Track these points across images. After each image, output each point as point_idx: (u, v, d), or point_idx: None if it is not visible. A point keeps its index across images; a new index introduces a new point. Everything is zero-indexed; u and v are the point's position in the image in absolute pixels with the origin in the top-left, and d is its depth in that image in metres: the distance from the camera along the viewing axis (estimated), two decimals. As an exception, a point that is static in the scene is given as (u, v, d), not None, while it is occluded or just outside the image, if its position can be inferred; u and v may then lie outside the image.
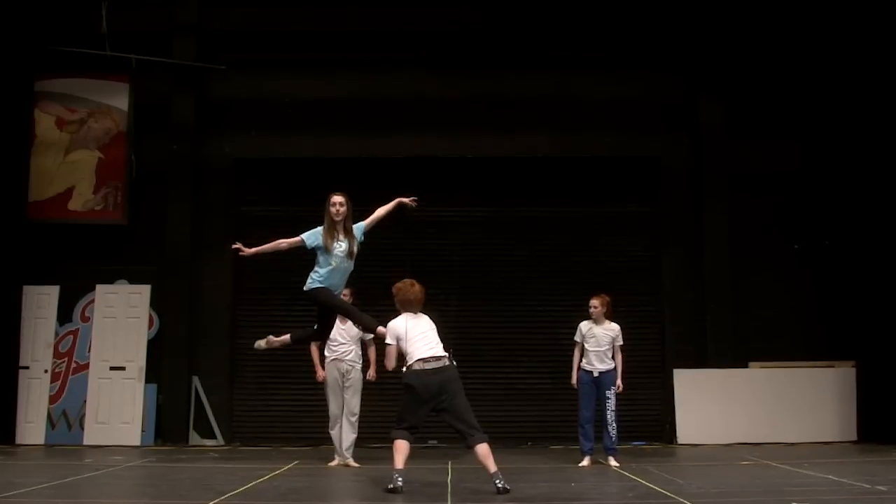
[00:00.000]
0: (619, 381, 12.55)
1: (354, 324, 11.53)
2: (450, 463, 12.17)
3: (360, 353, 13.00)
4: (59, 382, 15.88)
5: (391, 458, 9.71)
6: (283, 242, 10.89)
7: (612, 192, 17.16)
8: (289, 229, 16.76)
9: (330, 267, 10.51)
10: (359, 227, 10.76)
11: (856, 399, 15.60)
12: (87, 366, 15.89)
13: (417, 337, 9.93)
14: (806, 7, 16.78)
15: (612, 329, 12.61)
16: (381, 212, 10.95)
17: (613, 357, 12.58)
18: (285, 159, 16.93)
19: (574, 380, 12.83)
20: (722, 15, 16.89)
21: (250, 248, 10.78)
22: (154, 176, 16.55)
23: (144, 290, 16.17)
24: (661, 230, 16.84)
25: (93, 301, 16.17)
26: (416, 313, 10.14)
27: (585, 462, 12.50)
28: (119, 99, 16.60)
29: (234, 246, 10.89)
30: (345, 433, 12.77)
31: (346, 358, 12.85)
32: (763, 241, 16.62)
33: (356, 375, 12.89)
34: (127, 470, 12.24)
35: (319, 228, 10.68)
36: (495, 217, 17.01)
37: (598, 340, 12.49)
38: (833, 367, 15.95)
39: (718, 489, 10.28)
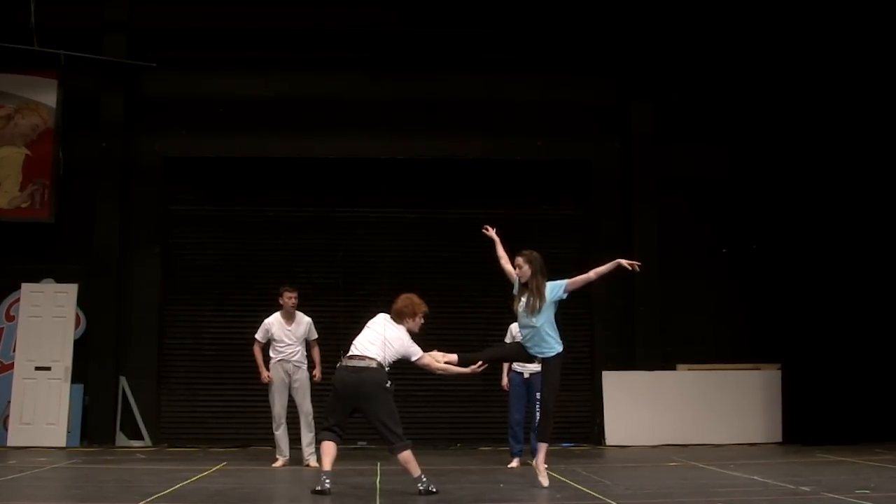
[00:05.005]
0: None
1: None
2: (378, 465, 12.14)
3: (306, 353, 13.07)
4: (-17, 383, 15.65)
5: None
6: (508, 264, 10.70)
7: (544, 194, 17.24)
8: (218, 229, 16.86)
9: (518, 323, 10.57)
10: (556, 285, 10.33)
11: (781, 401, 15.80)
12: (11, 365, 15.62)
13: (359, 336, 10.03)
14: (737, 16, 16.96)
15: None
16: (594, 273, 10.50)
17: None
18: (216, 158, 16.82)
19: (505, 382, 12.90)
20: (654, 22, 17.07)
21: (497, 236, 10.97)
22: (82, 174, 16.35)
23: (71, 289, 15.93)
24: (591, 233, 16.96)
25: (18, 300, 15.91)
26: (393, 320, 10.12)
27: (514, 463, 12.58)
28: (47, 95, 16.39)
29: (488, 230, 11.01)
30: (303, 434, 12.81)
31: (293, 359, 12.91)
32: (691, 244, 16.80)
33: (302, 376, 12.95)
34: (51, 471, 12.07)
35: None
36: (427, 218, 17.03)
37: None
38: (759, 369, 16.15)
39: (646, 490, 10.39)
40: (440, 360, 10.21)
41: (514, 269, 10.39)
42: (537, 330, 10.17)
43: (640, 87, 16.92)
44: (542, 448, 10.46)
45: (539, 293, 10.20)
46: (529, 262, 10.30)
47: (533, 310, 10.17)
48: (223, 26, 16.82)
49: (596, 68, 17.22)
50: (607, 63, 17.20)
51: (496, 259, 10.89)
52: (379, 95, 16.88)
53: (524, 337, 10.35)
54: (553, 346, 10.22)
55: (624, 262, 10.50)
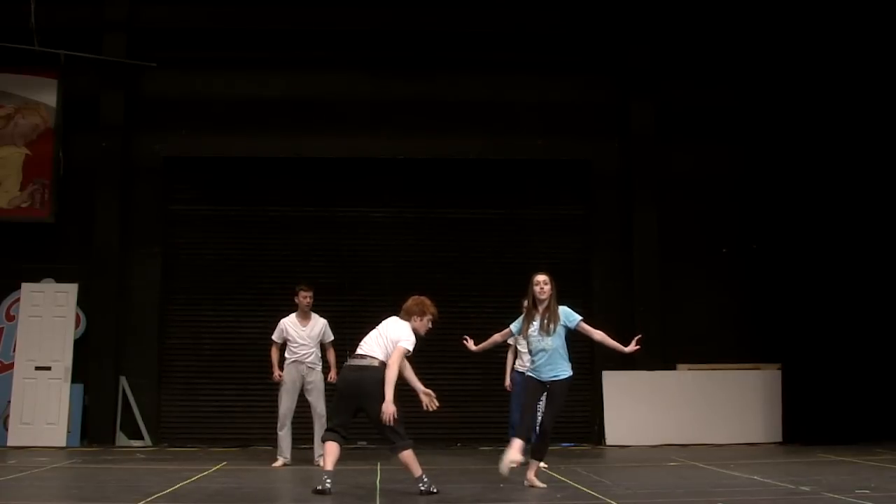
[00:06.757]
0: None
1: None
2: (379, 464, 12.15)
3: (320, 355, 13.09)
4: (-17, 382, 15.63)
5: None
6: (498, 336, 10.77)
7: (544, 194, 17.25)
8: (218, 228, 16.85)
9: (528, 350, 10.61)
10: (571, 313, 10.36)
11: (781, 401, 15.79)
12: (11, 365, 15.61)
13: (366, 337, 10.07)
14: (737, 16, 16.96)
15: None
16: (600, 336, 10.47)
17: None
18: (215, 158, 16.82)
19: (507, 382, 12.91)
20: (654, 22, 17.06)
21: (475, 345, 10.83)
22: (82, 173, 16.35)
23: (71, 289, 15.92)
24: (592, 233, 16.95)
25: (18, 300, 15.90)
26: (400, 318, 10.14)
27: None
28: (47, 95, 16.38)
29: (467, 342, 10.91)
30: (316, 435, 12.74)
31: (307, 360, 12.94)
32: (691, 244, 16.79)
33: (316, 377, 12.97)
34: (52, 471, 12.06)
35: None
36: (427, 218, 17.04)
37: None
38: (759, 369, 16.15)
39: (646, 490, 10.39)
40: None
41: (534, 286, 10.32)
42: (551, 352, 10.21)
43: (640, 87, 16.92)
44: (535, 465, 10.50)
45: (554, 314, 10.23)
46: (551, 282, 10.34)
47: (548, 331, 10.19)
48: (223, 26, 16.81)
49: (596, 68, 17.21)
50: (607, 63, 17.19)
51: (492, 343, 10.88)
52: (379, 95, 16.87)
53: (538, 362, 10.32)
54: (566, 368, 10.28)
55: (632, 347, 10.56)
